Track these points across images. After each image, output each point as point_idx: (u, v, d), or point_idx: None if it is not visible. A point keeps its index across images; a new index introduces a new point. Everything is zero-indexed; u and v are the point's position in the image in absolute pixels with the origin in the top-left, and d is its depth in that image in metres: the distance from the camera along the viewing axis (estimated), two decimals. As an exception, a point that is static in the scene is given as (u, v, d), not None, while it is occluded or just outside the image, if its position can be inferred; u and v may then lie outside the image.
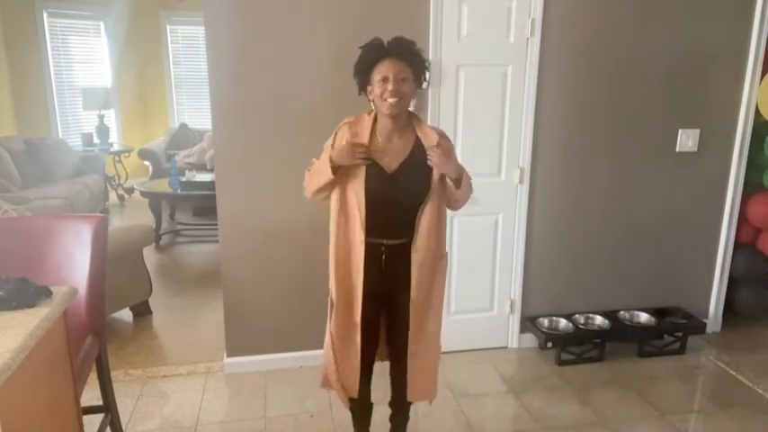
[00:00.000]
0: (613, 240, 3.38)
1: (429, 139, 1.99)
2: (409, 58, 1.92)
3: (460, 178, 1.97)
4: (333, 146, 2.00)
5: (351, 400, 2.25)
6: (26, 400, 1.44)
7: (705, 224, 3.47)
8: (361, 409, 2.32)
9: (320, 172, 1.99)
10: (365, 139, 1.97)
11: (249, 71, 2.82)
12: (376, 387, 2.28)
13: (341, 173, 1.98)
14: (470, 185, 2.07)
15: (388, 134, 1.99)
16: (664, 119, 3.26)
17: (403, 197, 1.98)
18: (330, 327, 2.13)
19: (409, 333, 2.08)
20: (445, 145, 1.99)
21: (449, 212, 3.08)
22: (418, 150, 1.98)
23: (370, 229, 1.99)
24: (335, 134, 2.04)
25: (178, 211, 6.27)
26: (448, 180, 1.97)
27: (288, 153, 2.88)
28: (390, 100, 1.89)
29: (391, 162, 1.97)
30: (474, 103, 3.03)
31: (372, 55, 1.93)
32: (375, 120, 2.01)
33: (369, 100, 2.01)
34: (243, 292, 3.06)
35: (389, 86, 1.87)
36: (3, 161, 5.40)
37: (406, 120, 2.01)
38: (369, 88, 1.97)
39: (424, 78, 2.00)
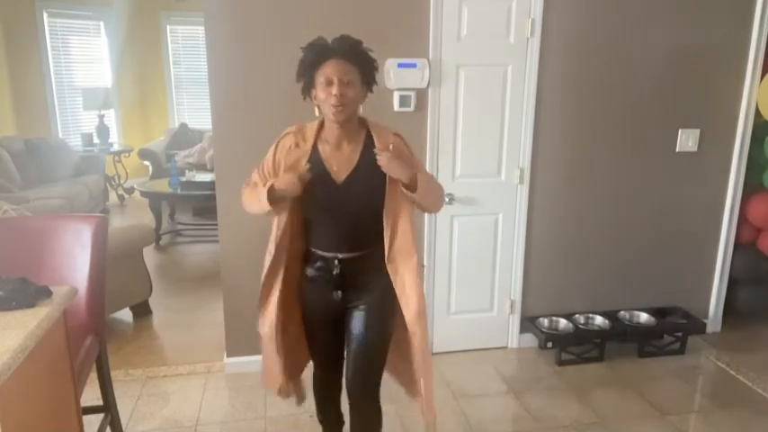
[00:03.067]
0: (613, 240, 3.38)
1: (382, 140, 1.81)
2: (356, 59, 1.74)
3: (414, 183, 1.76)
4: (275, 156, 1.85)
5: (320, 411, 2.21)
6: (26, 400, 1.44)
7: (705, 224, 3.47)
8: (330, 422, 2.24)
9: (258, 199, 1.82)
10: (308, 146, 1.82)
11: (249, 71, 2.82)
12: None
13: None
14: (436, 189, 1.90)
15: (336, 141, 1.82)
16: (664, 119, 3.25)
17: (354, 207, 1.82)
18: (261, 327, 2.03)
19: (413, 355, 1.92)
20: (397, 145, 1.82)
21: (449, 212, 3.12)
22: (369, 155, 1.79)
23: (320, 242, 1.88)
24: (277, 144, 1.87)
25: (178, 211, 6.26)
26: (401, 186, 1.78)
27: (288, 153, 2.87)
28: (335, 105, 1.71)
29: (340, 171, 1.80)
30: (474, 103, 3.03)
31: (315, 55, 1.73)
32: (322, 126, 1.84)
33: (314, 105, 1.82)
34: (243, 291, 3.05)
35: (333, 90, 1.69)
36: (3, 161, 5.40)
37: (356, 125, 1.83)
38: (313, 92, 1.78)
39: (374, 81, 1.81)
